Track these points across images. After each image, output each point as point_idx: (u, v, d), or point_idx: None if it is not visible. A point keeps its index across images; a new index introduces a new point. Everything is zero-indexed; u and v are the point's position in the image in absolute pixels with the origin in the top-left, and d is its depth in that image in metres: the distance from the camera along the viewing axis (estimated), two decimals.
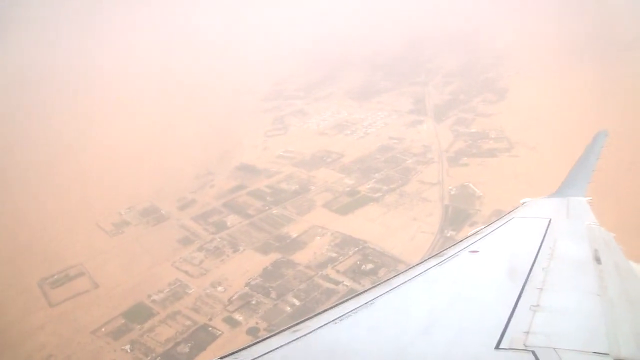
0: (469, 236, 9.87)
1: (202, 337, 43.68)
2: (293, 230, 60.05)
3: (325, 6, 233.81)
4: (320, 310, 6.58)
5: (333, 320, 6.30)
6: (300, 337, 5.90)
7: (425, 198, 64.49)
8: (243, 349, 5.54)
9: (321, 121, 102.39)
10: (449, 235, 54.83)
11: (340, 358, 5.77)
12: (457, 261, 8.50)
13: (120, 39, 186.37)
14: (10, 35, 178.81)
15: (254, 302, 47.35)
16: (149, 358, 42.04)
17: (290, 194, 69.96)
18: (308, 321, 6.22)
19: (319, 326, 6.16)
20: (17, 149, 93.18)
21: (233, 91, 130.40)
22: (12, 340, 45.19)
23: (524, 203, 12.61)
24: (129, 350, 42.97)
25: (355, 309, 6.63)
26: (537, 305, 6.70)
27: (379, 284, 7.43)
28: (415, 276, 7.81)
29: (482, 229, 10.32)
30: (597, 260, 8.46)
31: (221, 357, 5.20)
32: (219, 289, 50.00)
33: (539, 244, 9.11)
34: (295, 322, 6.21)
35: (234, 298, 48.23)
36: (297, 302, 46.86)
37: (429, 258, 8.57)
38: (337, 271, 50.79)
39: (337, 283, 48.90)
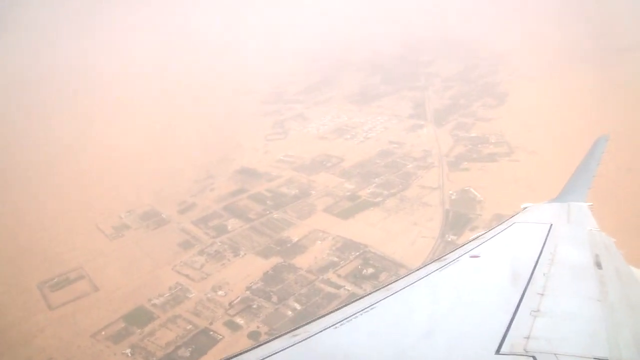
0: (470, 241, 9.89)
1: (203, 341, 43.52)
2: (294, 234, 59.99)
3: (325, 6, 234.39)
4: (321, 315, 6.58)
5: (333, 325, 6.30)
6: (300, 341, 5.90)
7: (425, 203, 64.52)
8: (243, 352, 5.54)
9: (321, 125, 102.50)
10: (449, 239, 54.83)
11: None
12: (458, 266, 8.51)
13: (120, 39, 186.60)
14: (10, 36, 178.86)
15: (255, 306, 47.24)
16: None
17: (290, 198, 69.93)
18: (308, 325, 6.23)
19: (319, 330, 6.17)
20: (17, 149, 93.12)
21: (233, 92, 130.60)
22: (12, 343, 44.98)
23: (524, 208, 12.64)
24: (129, 354, 42.76)
25: (356, 313, 6.63)
26: (538, 311, 6.73)
27: (380, 289, 7.43)
28: (416, 281, 7.82)
29: (483, 234, 10.34)
30: (598, 265, 8.51)
31: None
32: (220, 293, 49.87)
33: (540, 249, 9.16)
34: (295, 327, 6.22)
35: (235, 302, 48.11)
36: (298, 307, 46.76)
37: (429, 263, 8.59)
38: (339, 275, 50.72)
39: (338, 287, 48.83)
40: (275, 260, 54.78)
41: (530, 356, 5.55)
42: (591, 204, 12.62)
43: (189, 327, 45.37)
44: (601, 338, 6.05)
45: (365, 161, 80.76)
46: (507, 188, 62.84)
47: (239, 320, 45.57)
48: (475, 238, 10.12)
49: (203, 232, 62.82)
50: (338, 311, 6.68)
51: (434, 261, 8.68)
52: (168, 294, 50.48)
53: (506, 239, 10.26)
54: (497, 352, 5.71)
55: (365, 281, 49.20)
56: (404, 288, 7.54)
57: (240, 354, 5.53)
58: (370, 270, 50.92)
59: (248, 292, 49.48)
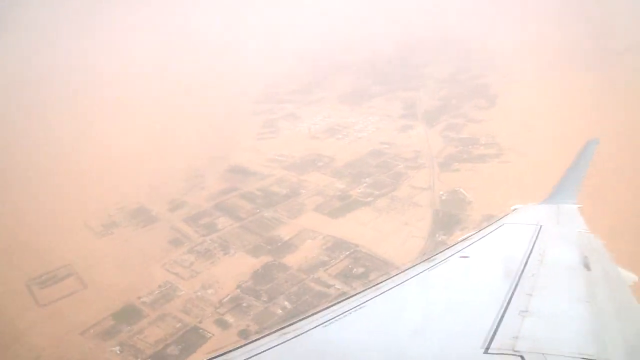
0: (460, 241, 9.99)
1: (192, 338, 43.42)
2: (284, 233, 59.94)
3: (325, 6, 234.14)
4: (311, 313, 6.63)
5: (323, 323, 6.37)
6: (290, 339, 5.98)
7: (416, 203, 64.76)
8: (232, 350, 5.59)
9: (312, 125, 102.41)
10: (439, 239, 55.09)
11: None
12: (448, 266, 8.62)
13: (120, 39, 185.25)
14: (10, 36, 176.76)
15: (245, 305, 47.18)
16: (138, 359, 41.72)
17: (281, 197, 69.85)
18: (298, 323, 6.29)
19: (309, 328, 6.24)
20: (17, 149, 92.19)
21: (233, 92, 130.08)
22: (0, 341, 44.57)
23: (514, 209, 12.78)
24: (118, 352, 42.56)
25: (345, 312, 6.71)
26: (527, 311, 6.83)
27: (370, 288, 7.50)
28: (406, 280, 7.90)
29: (472, 235, 10.46)
30: (587, 266, 8.65)
31: (211, 359, 5.25)
32: (210, 291, 49.74)
33: (529, 250, 9.29)
34: (285, 324, 6.27)
35: (224, 300, 48.02)
36: (288, 305, 46.79)
37: (419, 263, 8.66)
38: (329, 274, 50.80)
39: (328, 286, 48.91)
40: (265, 258, 54.71)
41: (519, 355, 5.65)
42: (581, 205, 12.77)
43: (179, 325, 45.21)
44: (589, 338, 6.16)
45: (356, 161, 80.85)
46: (498, 189, 63.12)
47: (229, 318, 45.49)
48: (465, 238, 10.23)
49: (193, 230, 62.57)
50: (328, 309, 6.75)
51: (423, 261, 8.77)
52: (157, 292, 50.25)
53: (496, 239, 10.38)
54: (486, 351, 5.80)
55: (355, 280, 49.29)
56: (393, 287, 7.63)
57: (230, 351, 5.59)
58: (361, 270, 51.05)
59: (238, 291, 49.39)
